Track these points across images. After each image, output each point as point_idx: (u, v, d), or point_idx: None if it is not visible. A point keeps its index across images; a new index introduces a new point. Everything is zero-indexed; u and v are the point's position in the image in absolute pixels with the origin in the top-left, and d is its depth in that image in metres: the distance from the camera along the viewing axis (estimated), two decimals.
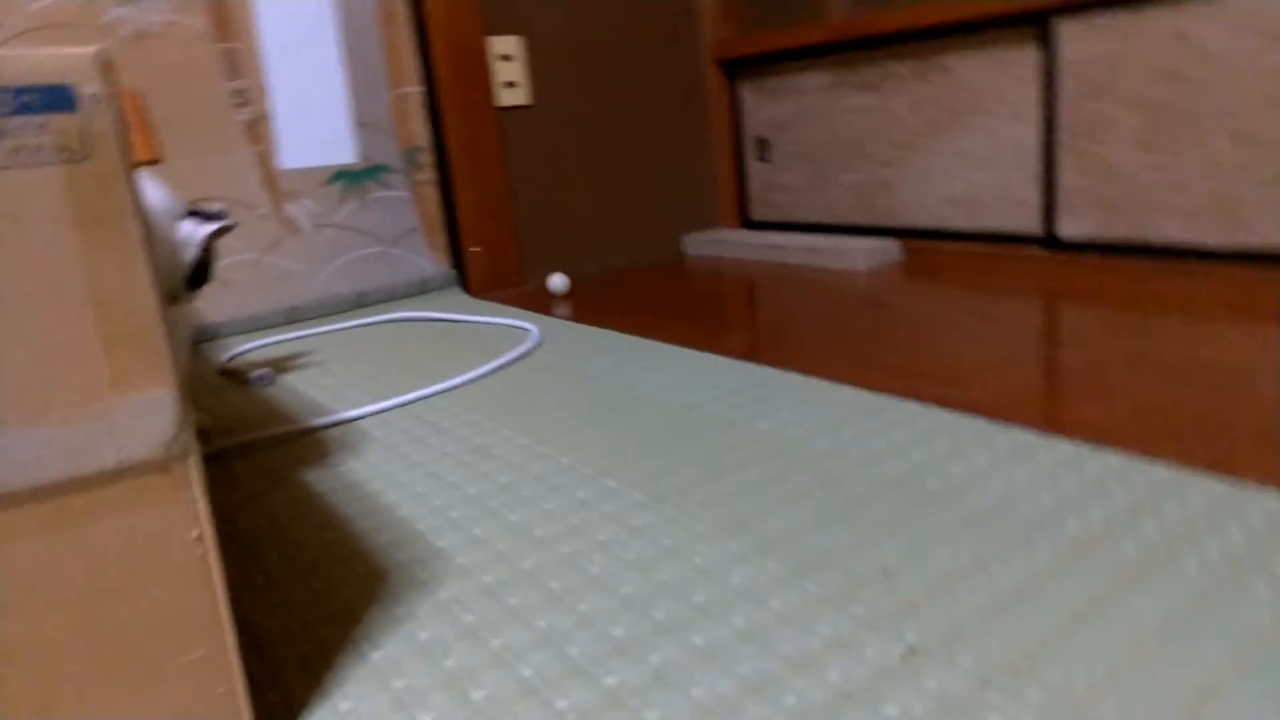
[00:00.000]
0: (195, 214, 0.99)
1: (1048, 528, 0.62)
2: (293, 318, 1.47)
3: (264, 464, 0.86)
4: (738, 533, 0.65)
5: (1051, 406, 0.84)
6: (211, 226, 0.98)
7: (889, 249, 1.59)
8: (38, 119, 0.38)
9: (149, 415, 0.36)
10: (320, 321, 1.47)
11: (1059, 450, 0.74)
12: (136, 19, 1.29)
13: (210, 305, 1.40)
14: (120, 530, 0.37)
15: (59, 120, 0.38)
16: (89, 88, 0.38)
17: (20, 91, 0.37)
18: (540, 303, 1.51)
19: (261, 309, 1.45)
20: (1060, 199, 1.43)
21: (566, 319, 1.37)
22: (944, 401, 0.88)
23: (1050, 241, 1.46)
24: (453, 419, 0.95)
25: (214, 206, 1.02)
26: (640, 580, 0.59)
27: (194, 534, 0.38)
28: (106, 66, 0.38)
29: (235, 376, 1.16)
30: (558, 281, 1.62)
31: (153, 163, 0.62)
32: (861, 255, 1.56)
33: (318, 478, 0.81)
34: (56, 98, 0.38)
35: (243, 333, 1.43)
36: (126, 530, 0.37)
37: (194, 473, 0.38)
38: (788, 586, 0.58)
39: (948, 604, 0.54)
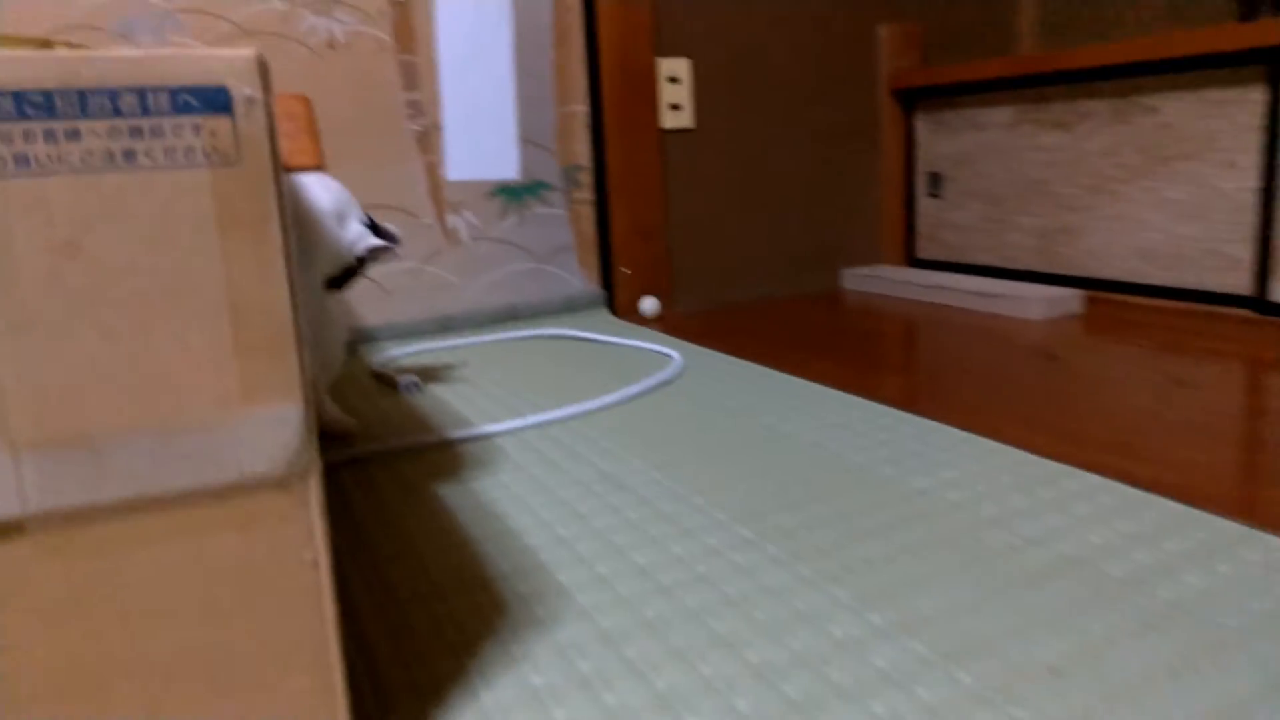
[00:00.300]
0: (372, 226, 1.00)
1: (1252, 640, 0.53)
2: (445, 327, 1.50)
3: (401, 473, 0.86)
4: (882, 605, 0.59)
5: (1259, 494, 0.74)
6: (376, 242, 0.99)
7: (1068, 299, 1.48)
8: (193, 120, 0.37)
9: (275, 429, 0.35)
10: (470, 332, 1.49)
11: (1272, 546, 0.65)
12: (328, 28, 1.35)
13: (369, 309, 1.44)
14: (236, 547, 0.35)
15: (213, 123, 0.37)
16: (245, 90, 0.37)
17: (177, 92, 0.36)
18: (687, 329, 1.48)
19: (417, 316, 1.48)
20: (1277, 258, 1.29)
21: (712, 348, 1.33)
22: (1128, 476, 0.79)
23: (1262, 305, 1.31)
24: (587, 444, 0.92)
25: (389, 226, 1.03)
26: (770, 646, 0.55)
27: (309, 557, 0.37)
28: (263, 70, 0.37)
29: (386, 381, 1.18)
30: (649, 305, 1.59)
31: (315, 168, 0.62)
32: (1037, 304, 1.45)
33: (451, 493, 0.80)
34: (213, 100, 0.37)
35: (397, 338, 1.46)
36: (242, 547, 0.36)
37: (314, 493, 0.36)
38: (936, 673, 0.51)
39: (1128, 718, 0.47)
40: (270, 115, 0.35)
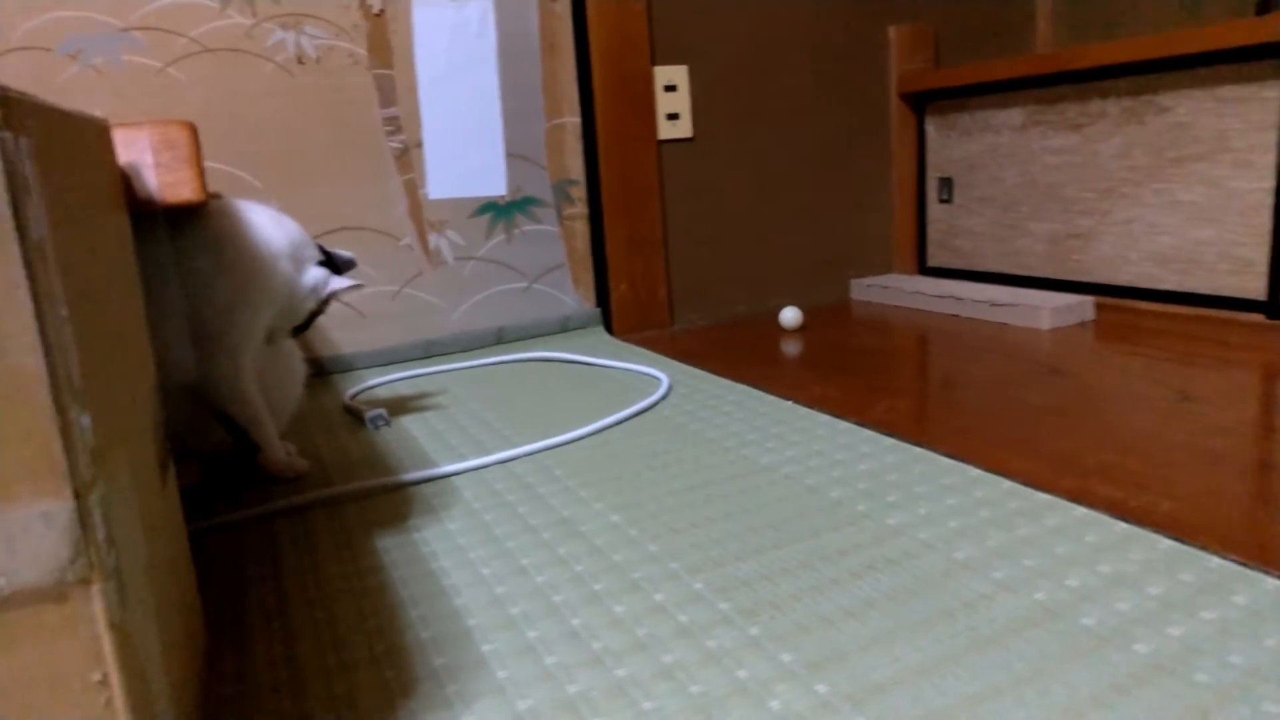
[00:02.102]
0: (327, 259, 0.96)
1: (1230, 702, 0.47)
2: (428, 352, 1.45)
3: (343, 522, 0.81)
4: (832, 671, 0.53)
5: (1258, 527, 0.67)
6: (342, 284, 0.95)
7: (1080, 307, 1.40)
8: None
9: (36, 533, 0.30)
10: (457, 357, 1.45)
11: (1263, 589, 0.58)
12: (297, 43, 1.31)
13: (345, 335, 1.40)
14: (3, 670, 0.31)
15: None
16: None
17: None
18: (682, 348, 1.43)
19: (397, 342, 1.44)
20: None
21: (706, 369, 1.27)
22: (1120, 509, 0.72)
23: (1276, 309, 1.23)
24: (550, 482, 0.87)
25: (343, 254, 1.00)
26: None
27: (96, 676, 0.32)
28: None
29: (355, 415, 1.14)
30: (790, 316, 1.53)
31: (196, 202, 0.58)
32: (1047, 313, 1.38)
33: (390, 545, 0.75)
34: None
35: (376, 366, 1.42)
36: (11, 670, 0.31)
37: (100, 601, 0.32)
38: None
39: None
40: (9, 157, 0.30)
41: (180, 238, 0.84)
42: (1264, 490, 0.75)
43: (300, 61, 1.32)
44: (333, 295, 0.96)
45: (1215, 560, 0.63)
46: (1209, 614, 0.56)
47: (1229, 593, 0.59)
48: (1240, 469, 0.79)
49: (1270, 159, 1.21)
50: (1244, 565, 0.62)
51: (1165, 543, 0.66)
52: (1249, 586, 0.59)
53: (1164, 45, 1.29)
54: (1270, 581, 0.60)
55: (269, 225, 0.90)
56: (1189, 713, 0.47)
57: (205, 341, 0.86)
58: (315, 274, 0.94)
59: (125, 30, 1.20)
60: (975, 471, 0.83)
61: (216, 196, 0.91)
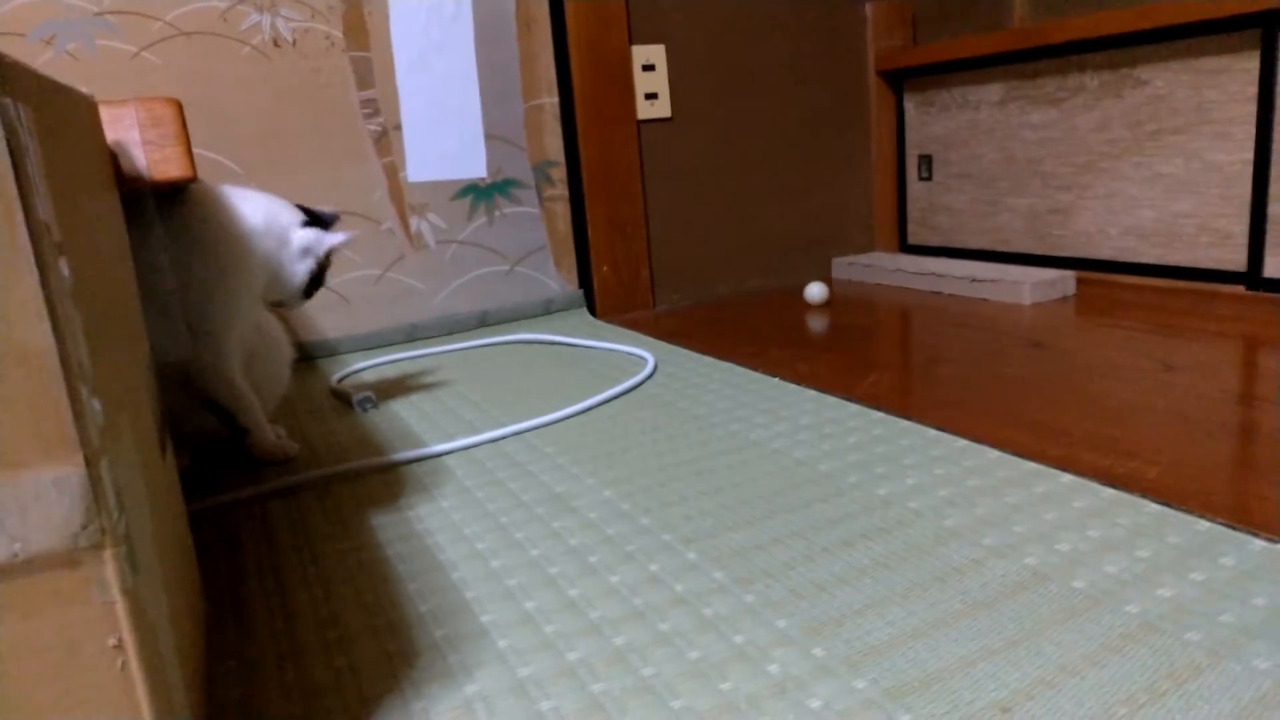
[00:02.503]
0: (312, 220, 0.95)
1: (1223, 659, 0.48)
2: (412, 335, 1.45)
3: (337, 502, 0.81)
4: (828, 635, 0.54)
5: (1243, 490, 0.68)
6: (339, 238, 0.94)
7: (1061, 281, 1.41)
8: None
9: (49, 499, 0.30)
10: (439, 340, 1.44)
11: (1250, 550, 0.59)
12: (273, 25, 1.30)
13: (329, 321, 1.40)
14: (19, 636, 0.31)
15: None
16: None
17: None
18: (665, 328, 1.43)
19: (381, 326, 1.43)
20: (1270, 232, 1.22)
21: (690, 348, 1.28)
22: (1107, 475, 0.73)
23: (1255, 280, 1.25)
24: (540, 460, 0.87)
25: (326, 211, 0.99)
26: (699, 692, 0.50)
27: (112, 641, 0.32)
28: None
29: (342, 398, 1.13)
30: (816, 291, 1.53)
31: (185, 179, 0.58)
32: (1028, 288, 1.39)
33: (385, 523, 0.75)
34: None
35: (361, 350, 1.41)
36: (27, 636, 0.31)
37: (112, 566, 0.32)
38: (879, 715, 0.46)
39: None
40: (11, 127, 0.30)
41: (152, 225, 0.83)
42: (1247, 455, 0.76)
43: (276, 44, 1.30)
44: (332, 251, 0.94)
45: (1203, 523, 0.64)
46: (1198, 575, 0.58)
47: (1217, 554, 0.60)
48: (1224, 435, 0.81)
49: (1248, 130, 1.23)
50: (1231, 527, 0.63)
51: (1152, 507, 0.67)
52: (1236, 548, 0.61)
53: (1141, 18, 1.30)
54: (1257, 543, 0.61)
55: (241, 206, 0.89)
56: (1183, 669, 0.48)
57: (187, 327, 0.85)
58: (305, 236, 0.92)
59: (99, 15, 1.19)
60: (962, 442, 0.84)
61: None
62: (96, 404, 0.32)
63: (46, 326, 0.29)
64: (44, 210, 0.31)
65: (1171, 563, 0.59)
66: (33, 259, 0.29)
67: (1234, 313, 1.20)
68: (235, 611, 0.62)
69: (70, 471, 0.30)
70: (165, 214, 0.84)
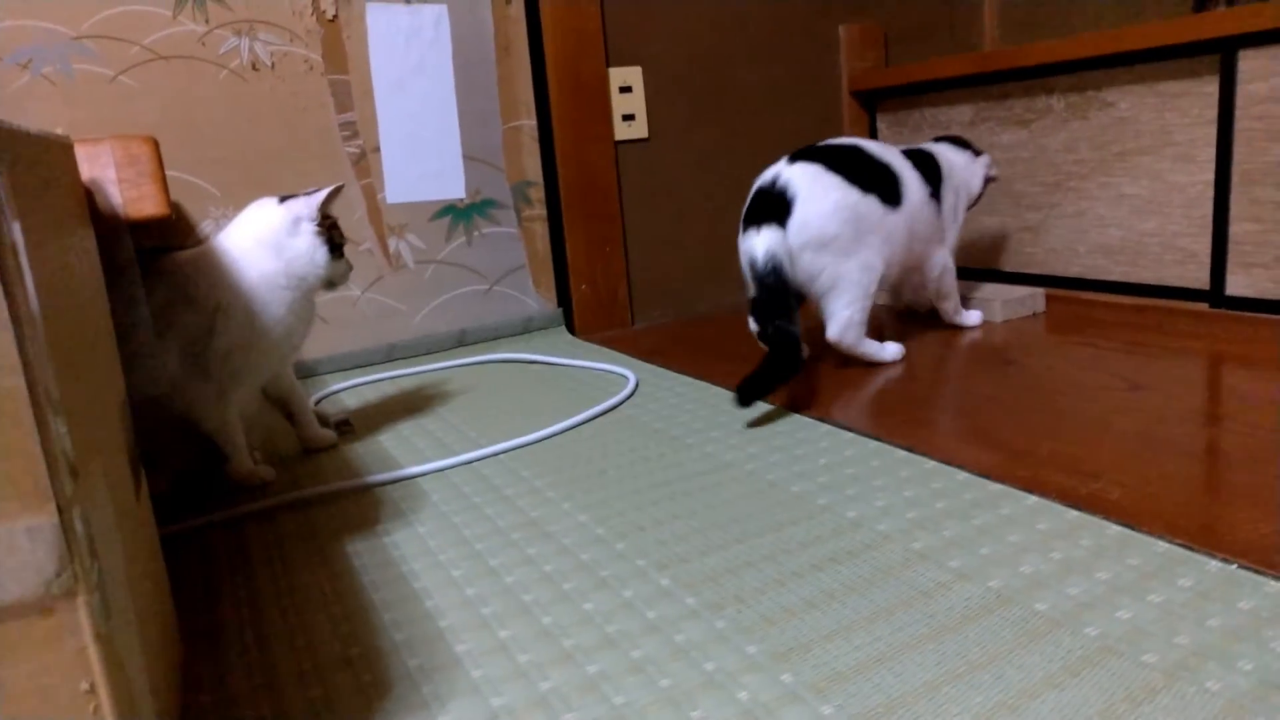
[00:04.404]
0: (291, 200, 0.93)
1: (1177, 681, 0.49)
2: (391, 356, 1.45)
3: (312, 525, 0.82)
4: (796, 661, 0.55)
5: (1202, 511, 0.70)
6: (320, 194, 0.91)
7: (1031, 299, 1.44)
8: None
9: (23, 550, 0.31)
10: (418, 360, 1.45)
11: (1207, 572, 0.61)
12: (251, 49, 1.30)
13: (308, 342, 1.39)
14: None
15: None
16: None
17: None
18: (644, 346, 1.44)
19: (359, 346, 1.43)
20: (1231, 252, 1.25)
21: (668, 367, 1.29)
22: (1071, 496, 0.75)
23: (1217, 298, 1.28)
24: (517, 482, 0.88)
25: (307, 199, 0.93)
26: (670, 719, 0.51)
27: (84, 686, 0.33)
28: None
29: (320, 420, 1.13)
30: (974, 317, 1.43)
31: (160, 217, 0.58)
32: (999, 305, 1.41)
33: (360, 549, 0.76)
34: None
35: (339, 370, 1.42)
36: (1, 683, 0.32)
37: (85, 612, 0.32)
38: None
39: None
40: None
41: (165, 285, 0.84)
42: (1206, 476, 0.78)
43: (255, 68, 1.31)
44: (324, 208, 0.92)
45: (1162, 544, 0.66)
46: (1155, 597, 0.59)
47: (1175, 576, 0.61)
48: (1187, 455, 0.82)
49: (1209, 153, 1.26)
50: (1189, 549, 0.65)
51: (1114, 529, 0.69)
52: (1193, 569, 0.62)
53: (1106, 42, 1.33)
54: (1213, 564, 0.63)
55: (256, 260, 0.89)
56: (1138, 692, 0.50)
57: (195, 367, 0.86)
58: (288, 211, 0.91)
59: (76, 39, 1.19)
60: (931, 463, 0.85)
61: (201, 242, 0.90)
62: (69, 453, 0.33)
63: (20, 378, 0.30)
64: (19, 263, 0.32)
65: (1131, 584, 0.61)
66: (8, 313, 0.30)
67: (1198, 330, 1.22)
68: (209, 640, 0.63)
69: (43, 521, 0.31)
70: (175, 280, 0.85)
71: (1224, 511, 0.70)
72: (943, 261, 1.30)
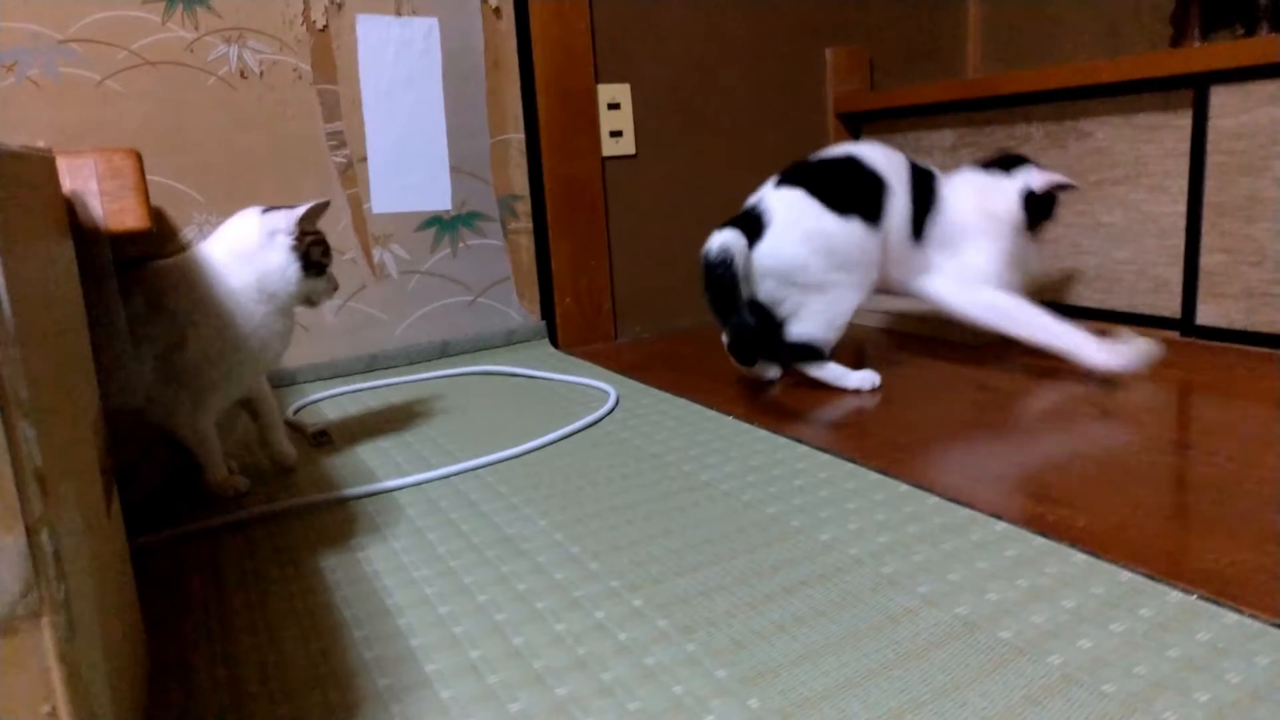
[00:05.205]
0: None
1: (1139, 708, 0.50)
2: (373, 366, 1.46)
3: (287, 539, 0.82)
4: (764, 686, 0.56)
5: (1165, 540, 0.71)
6: (299, 209, 0.90)
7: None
8: None
9: None
10: (400, 371, 1.45)
11: (1168, 602, 0.62)
12: (240, 57, 1.31)
13: (288, 351, 1.39)
14: None
15: None
16: None
17: None
18: (626, 361, 1.45)
19: (341, 356, 1.43)
20: (1202, 281, 1.27)
21: (649, 383, 1.29)
22: (1039, 523, 0.76)
23: (1188, 327, 1.30)
24: (493, 499, 0.89)
25: (285, 214, 0.92)
26: None
27: (46, 708, 0.33)
28: None
29: (298, 430, 1.14)
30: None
31: (142, 230, 0.59)
32: (975, 330, 1.42)
33: (334, 564, 0.76)
34: None
35: (320, 380, 1.41)
36: None
37: (50, 633, 0.33)
38: None
39: None
40: None
41: (140, 295, 0.84)
42: (1172, 504, 0.79)
43: (243, 76, 1.31)
44: (305, 223, 0.91)
45: (1125, 574, 0.67)
46: (1117, 626, 0.60)
47: (1136, 605, 0.62)
48: (1153, 483, 0.84)
49: (1182, 184, 1.28)
50: (1151, 578, 0.66)
51: (1079, 557, 0.70)
52: (1155, 599, 0.63)
53: (1085, 74, 1.35)
54: (1174, 594, 0.64)
55: (229, 272, 0.88)
56: None
57: (170, 377, 0.86)
58: (264, 224, 0.89)
59: (63, 42, 1.19)
60: (904, 487, 0.86)
61: (183, 249, 0.89)
62: (40, 470, 0.33)
63: None
64: None
65: (1093, 613, 0.62)
66: None
67: (1168, 358, 1.24)
68: (178, 658, 0.63)
69: (10, 540, 0.31)
70: (151, 289, 0.85)
71: (1188, 541, 0.71)
72: (937, 293, 1.23)
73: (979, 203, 1.23)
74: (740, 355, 1.22)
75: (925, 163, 1.28)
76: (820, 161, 1.20)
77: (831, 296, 1.16)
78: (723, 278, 1.12)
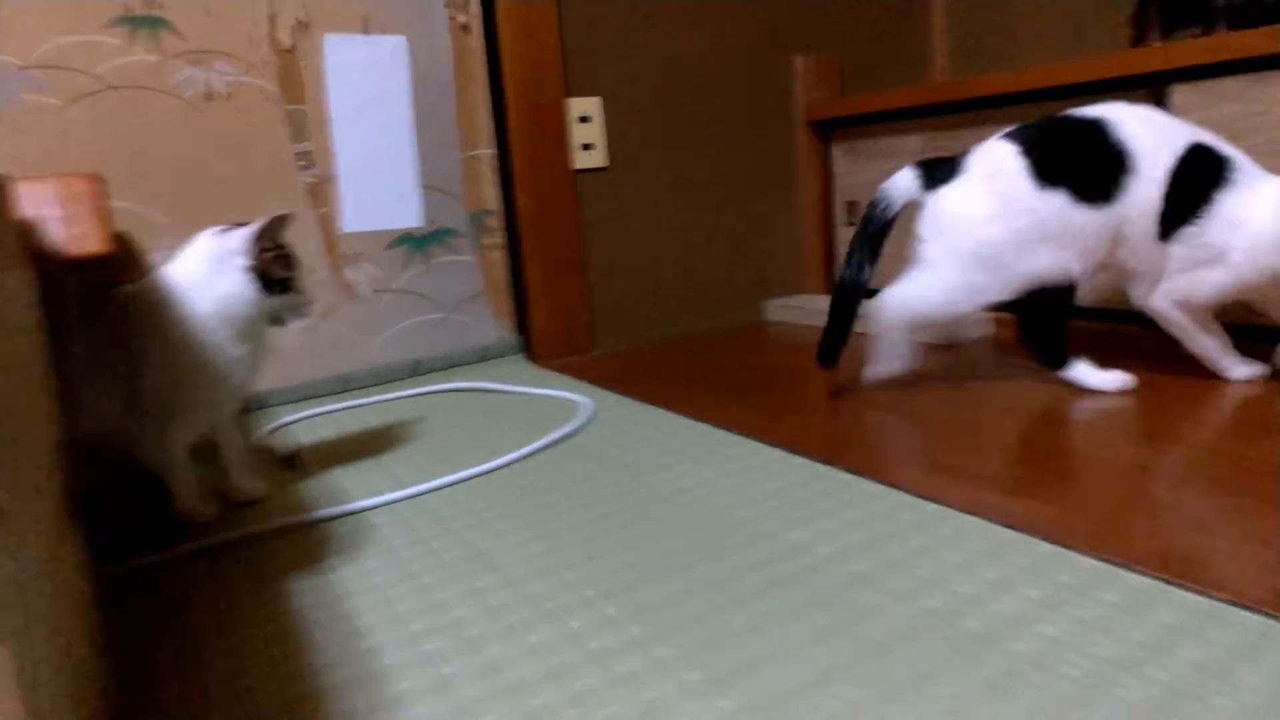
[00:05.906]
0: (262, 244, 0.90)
1: (1095, 696, 0.51)
2: (345, 386, 1.45)
3: (256, 563, 0.81)
4: (735, 687, 0.56)
5: (1127, 528, 0.72)
6: (252, 227, 0.87)
7: (979, 322, 1.47)
8: None
9: None
10: (373, 390, 1.45)
11: (1129, 586, 0.63)
12: (205, 80, 1.31)
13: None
14: None
15: None
16: None
17: None
18: (602, 373, 1.45)
19: (312, 376, 1.43)
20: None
21: (626, 394, 1.30)
22: (1005, 515, 0.77)
23: (1148, 321, 1.32)
24: (466, 515, 0.89)
25: (247, 230, 0.89)
26: None
27: None
28: None
29: (270, 452, 1.13)
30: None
31: (101, 254, 0.59)
32: (949, 329, 1.44)
33: (304, 586, 0.76)
34: None
35: (291, 402, 1.41)
36: None
37: (4, 664, 0.32)
38: None
39: None
40: None
41: (102, 322, 0.84)
42: (1135, 494, 0.80)
43: (209, 98, 1.31)
44: (263, 241, 0.88)
45: (1088, 561, 0.68)
46: (1080, 612, 0.61)
47: (1098, 591, 0.63)
48: (1118, 473, 0.85)
49: None
50: (1113, 564, 0.67)
51: (1045, 547, 0.71)
52: (1115, 584, 0.64)
53: (1050, 75, 1.37)
54: (1134, 578, 0.65)
55: (187, 296, 0.86)
56: (1060, 705, 0.52)
57: (134, 404, 0.85)
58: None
59: (24, 69, 1.19)
60: (875, 486, 0.87)
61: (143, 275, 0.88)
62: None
63: None
64: None
65: (1057, 601, 0.63)
66: None
67: (1137, 349, 1.25)
68: (147, 684, 0.62)
69: None
70: (116, 314, 0.84)
71: (1148, 528, 0.72)
72: (1156, 303, 1.09)
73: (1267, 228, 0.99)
74: (838, 316, 1.16)
75: (1223, 144, 1.03)
76: (1063, 119, 1.08)
77: (972, 280, 1.08)
78: (872, 220, 1.13)
